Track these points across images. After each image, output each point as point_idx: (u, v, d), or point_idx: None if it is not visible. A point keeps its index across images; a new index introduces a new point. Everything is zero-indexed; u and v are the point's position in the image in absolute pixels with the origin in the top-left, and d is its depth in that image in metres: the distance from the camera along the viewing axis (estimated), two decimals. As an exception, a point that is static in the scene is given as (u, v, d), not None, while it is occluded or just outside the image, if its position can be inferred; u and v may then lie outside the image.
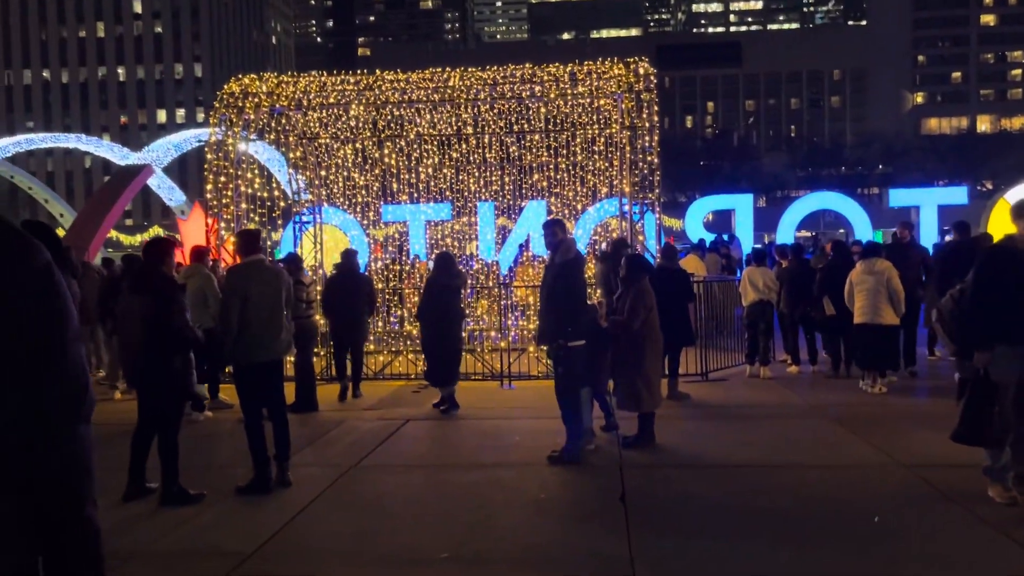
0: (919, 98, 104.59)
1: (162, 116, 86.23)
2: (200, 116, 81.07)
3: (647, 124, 11.31)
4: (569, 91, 12.06)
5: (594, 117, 12.86)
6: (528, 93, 12.14)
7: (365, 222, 15.46)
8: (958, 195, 24.64)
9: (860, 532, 5.02)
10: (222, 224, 12.10)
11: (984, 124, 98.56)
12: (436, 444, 7.75)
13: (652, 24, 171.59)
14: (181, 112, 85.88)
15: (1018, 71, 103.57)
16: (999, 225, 17.27)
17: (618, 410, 7.53)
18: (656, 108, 11.29)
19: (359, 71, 12.87)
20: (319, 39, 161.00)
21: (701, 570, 4.55)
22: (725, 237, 22.36)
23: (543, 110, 12.91)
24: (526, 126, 13.38)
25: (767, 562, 4.61)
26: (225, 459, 7.16)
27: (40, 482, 2.67)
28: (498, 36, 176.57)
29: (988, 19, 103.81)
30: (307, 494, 6.01)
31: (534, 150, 13.69)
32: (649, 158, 11.36)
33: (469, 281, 12.92)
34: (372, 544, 5.03)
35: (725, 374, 11.09)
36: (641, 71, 11.54)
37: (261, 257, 6.43)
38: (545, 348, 8.38)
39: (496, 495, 5.94)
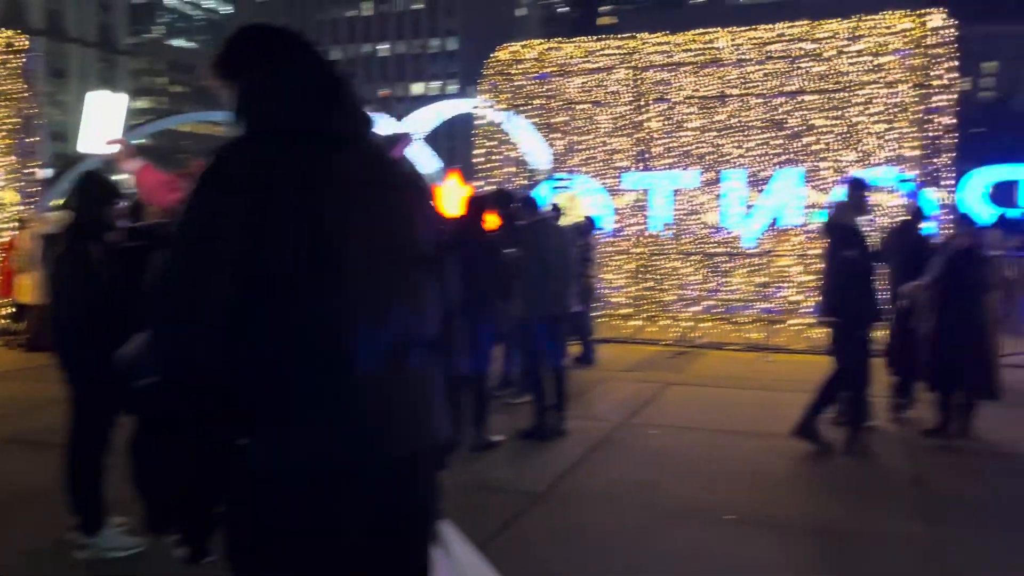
0: None
1: (418, 88, 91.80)
2: (452, 88, 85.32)
3: (941, 82, 10.31)
4: (848, 48, 11.28)
5: (874, 76, 11.91)
6: (801, 52, 11.52)
7: (617, 188, 15.44)
8: None
9: None
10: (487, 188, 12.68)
11: None
12: (704, 409, 7.67)
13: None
14: (435, 84, 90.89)
15: None
16: None
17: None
18: (955, 63, 10.25)
19: (621, 35, 12.88)
20: (561, 9, 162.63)
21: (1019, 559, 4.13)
22: (1013, 213, 19.92)
23: (816, 70, 12.15)
24: (795, 87, 12.67)
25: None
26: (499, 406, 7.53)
27: None
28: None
29: None
30: (585, 443, 6.22)
31: (803, 113, 12.96)
32: (940, 120, 10.37)
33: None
34: (654, 496, 5.11)
35: (1020, 360, 9.96)
36: (935, 23, 10.52)
37: (549, 216, 6.69)
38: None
39: (778, 464, 5.79)
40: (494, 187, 12.54)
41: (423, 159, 32.37)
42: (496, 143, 12.77)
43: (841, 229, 5.98)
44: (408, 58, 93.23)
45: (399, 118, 35.61)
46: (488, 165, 12.79)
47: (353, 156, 1.82)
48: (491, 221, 8.44)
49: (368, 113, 1.98)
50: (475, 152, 12.99)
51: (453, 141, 66.94)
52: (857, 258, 5.85)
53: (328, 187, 1.74)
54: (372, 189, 1.82)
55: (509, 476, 5.48)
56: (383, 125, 30.39)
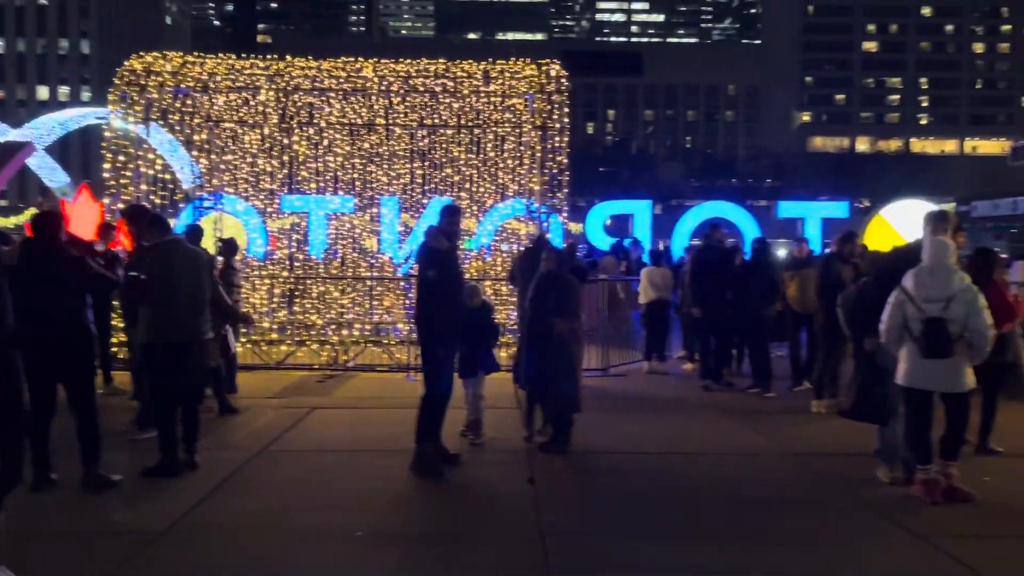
0: (806, 117, 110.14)
1: (44, 93, 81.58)
2: (86, 95, 77.21)
3: (557, 125, 11.60)
4: (482, 88, 12.24)
5: (505, 116, 13.08)
6: (441, 88, 12.26)
7: (268, 211, 15.12)
8: (840, 209, 26.27)
9: (749, 514, 5.40)
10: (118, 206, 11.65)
11: (863, 144, 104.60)
12: (346, 431, 7.75)
13: (557, 30, 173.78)
14: (65, 89, 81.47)
15: (895, 96, 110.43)
16: (876, 238, 18.51)
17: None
18: (567, 110, 11.59)
19: (268, 55, 12.65)
20: (217, 23, 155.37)
21: (610, 542, 4.79)
22: (627, 242, 22.96)
23: (455, 106, 13.03)
24: (437, 121, 13.47)
25: (668, 537, 4.91)
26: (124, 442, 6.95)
27: None
28: (403, 32, 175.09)
29: (870, 46, 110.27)
30: (216, 476, 5.95)
31: (445, 146, 13.84)
32: (558, 159, 11.66)
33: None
34: (285, 522, 5.06)
35: (625, 370, 11.50)
36: (553, 73, 11.80)
37: (179, 237, 6.35)
38: None
39: (409, 478, 6.05)
40: (125, 205, 11.56)
41: (47, 171, 28.61)
42: (127, 158, 11.77)
43: (428, 250, 6.34)
44: (31, 57, 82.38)
45: (18, 124, 31.25)
46: (120, 181, 11.74)
47: None
48: (123, 241, 7.75)
49: None
50: (104, 167, 11.84)
51: (88, 154, 60.53)
52: (437, 278, 6.22)
53: None
54: None
55: (126, 517, 5.07)
56: (-6, 131, 25.99)
